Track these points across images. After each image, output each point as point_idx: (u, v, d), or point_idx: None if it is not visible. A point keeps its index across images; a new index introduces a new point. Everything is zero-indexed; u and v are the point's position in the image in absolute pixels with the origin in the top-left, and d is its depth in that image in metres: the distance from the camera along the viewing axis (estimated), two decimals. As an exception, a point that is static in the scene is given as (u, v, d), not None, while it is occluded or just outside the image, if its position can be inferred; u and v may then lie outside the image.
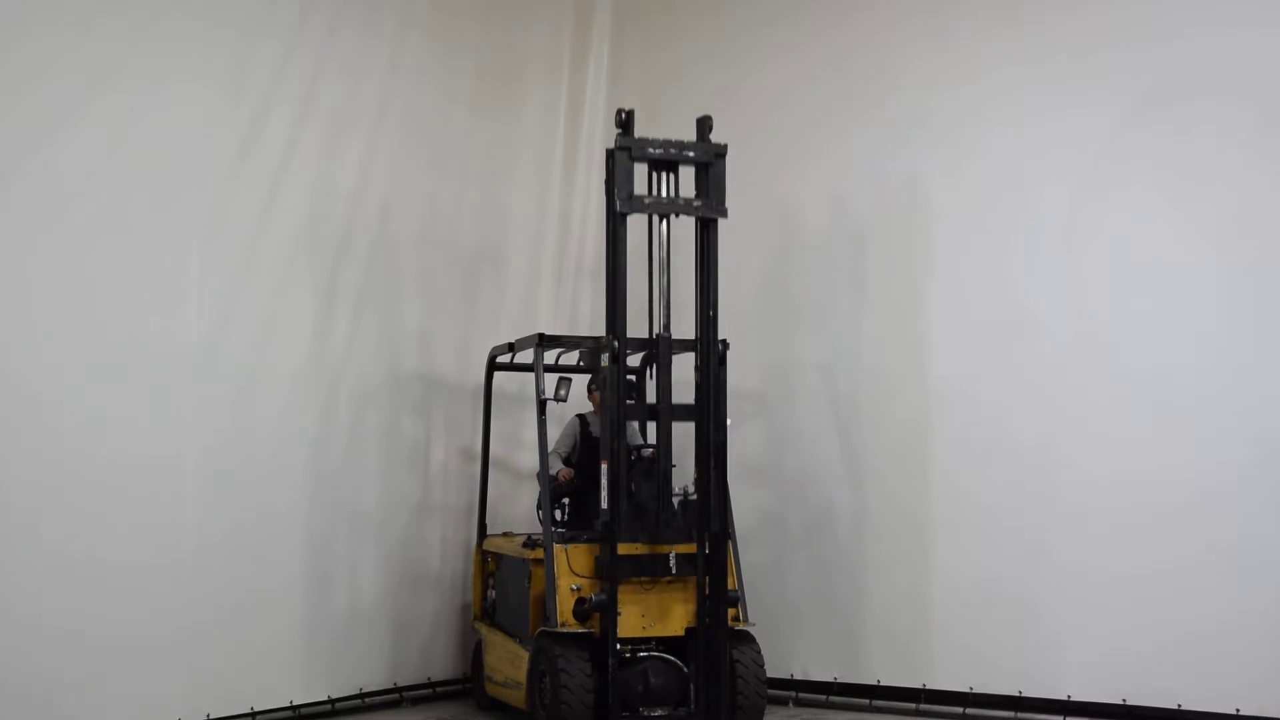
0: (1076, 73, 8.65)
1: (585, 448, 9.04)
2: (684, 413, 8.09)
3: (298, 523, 8.80)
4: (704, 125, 8.17)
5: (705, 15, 10.37)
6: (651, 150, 8.03)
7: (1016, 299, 8.81)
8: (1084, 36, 8.66)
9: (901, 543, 9.11)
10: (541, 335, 8.71)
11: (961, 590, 8.84)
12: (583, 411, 9.32)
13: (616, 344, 7.96)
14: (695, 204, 8.09)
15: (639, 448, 8.45)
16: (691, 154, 8.09)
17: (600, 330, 8.28)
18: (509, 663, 8.65)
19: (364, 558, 9.24)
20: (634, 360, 8.91)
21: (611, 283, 7.93)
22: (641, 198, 8.04)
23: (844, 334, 9.49)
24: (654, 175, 8.16)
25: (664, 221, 8.20)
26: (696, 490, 8.03)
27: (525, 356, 9.09)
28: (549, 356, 9.05)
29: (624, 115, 8.05)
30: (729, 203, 8.09)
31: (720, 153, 8.11)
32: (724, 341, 8.17)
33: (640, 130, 8.13)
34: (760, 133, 9.64)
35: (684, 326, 8.27)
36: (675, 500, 8.01)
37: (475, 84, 10.13)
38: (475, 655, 9.43)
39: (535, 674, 8.06)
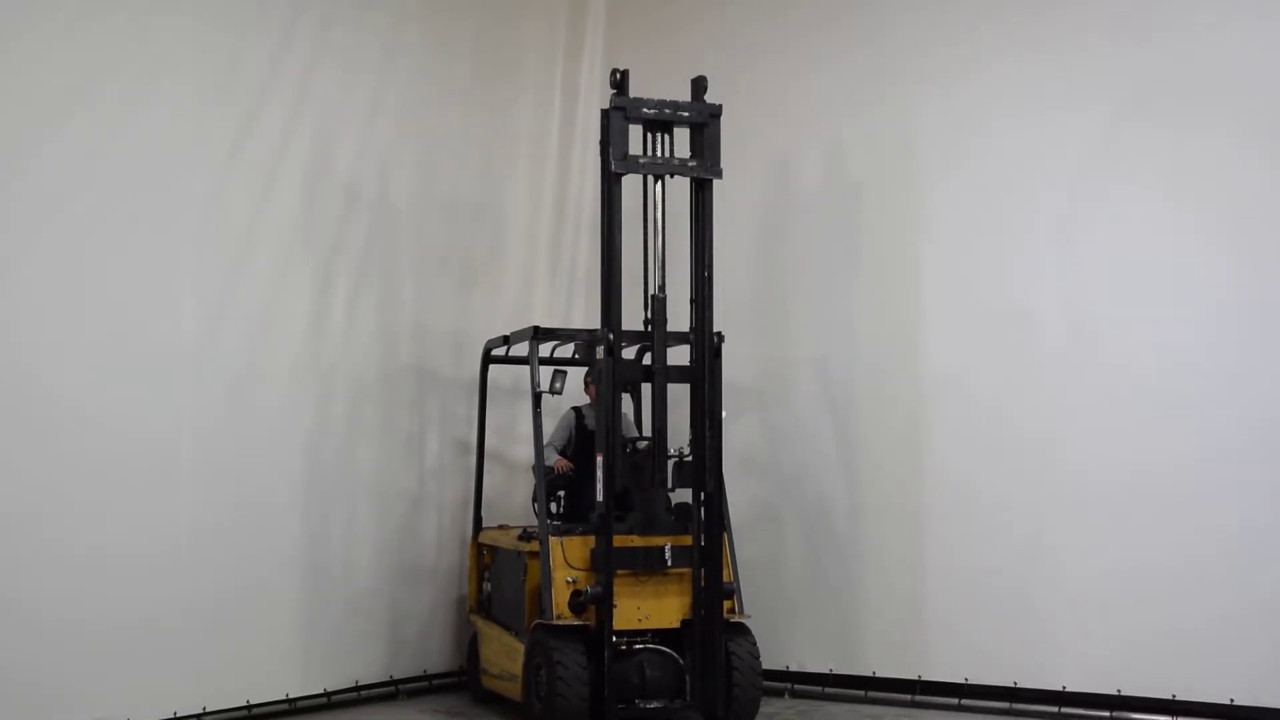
0: (1071, 66, 8.67)
1: (581, 440, 9.09)
2: (679, 374, 8.09)
3: (294, 516, 8.83)
4: (699, 85, 8.16)
5: (700, 9, 10.38)
6: (646, 110, 8.05)
7: (1013, 292, 8.83)
8: (1079, 30, 8.66)
9: (897, 535, 9.14)
10: (536, 328, 8.73)
11: (957, 582, 8.87)
12: (578, 404, 9.35)
13: (611, 337, 7.96)
14: (690, 164, 8.08)
15: (634, 440, 8.48)
16: (686, 114, 8.10)
17: (596, 323, 8.30)
18: (505, 655, 8.67)
19: (360, 551, 9.26)
20: (629, 353, 8.89)
21: (607, 245, 7.92)
22: (636, 158, 8.05)
23: (840, 327, 9.50)
24: (649, 136, 8.15)
25: (659, 182, 8.19)
26: (692, 449, 8.03)
27: (520, 349, 9.13)
28: (544, 349, 9.07)
29: (618, 75, 8.06)
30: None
31: (715, 113, 8.10)
32: (719, 334, 8.21)
33: (637, 78, 8.16)
34: (757, 127, 9.64)
35: (680, 308, 8.21)
36: (670, 460, 8.03)
37: (469, 78, 10.17)
38: (471, 648, 9.45)
39: (531, 667, 8.09)
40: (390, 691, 9.39)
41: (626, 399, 9.00)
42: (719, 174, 8.07)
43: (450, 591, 9.87)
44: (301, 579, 8.85)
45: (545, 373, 8.81)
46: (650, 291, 8.16)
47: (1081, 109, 8.62)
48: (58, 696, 7.47)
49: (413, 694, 9.49)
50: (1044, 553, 8.60)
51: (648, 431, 8.46)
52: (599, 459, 7.98)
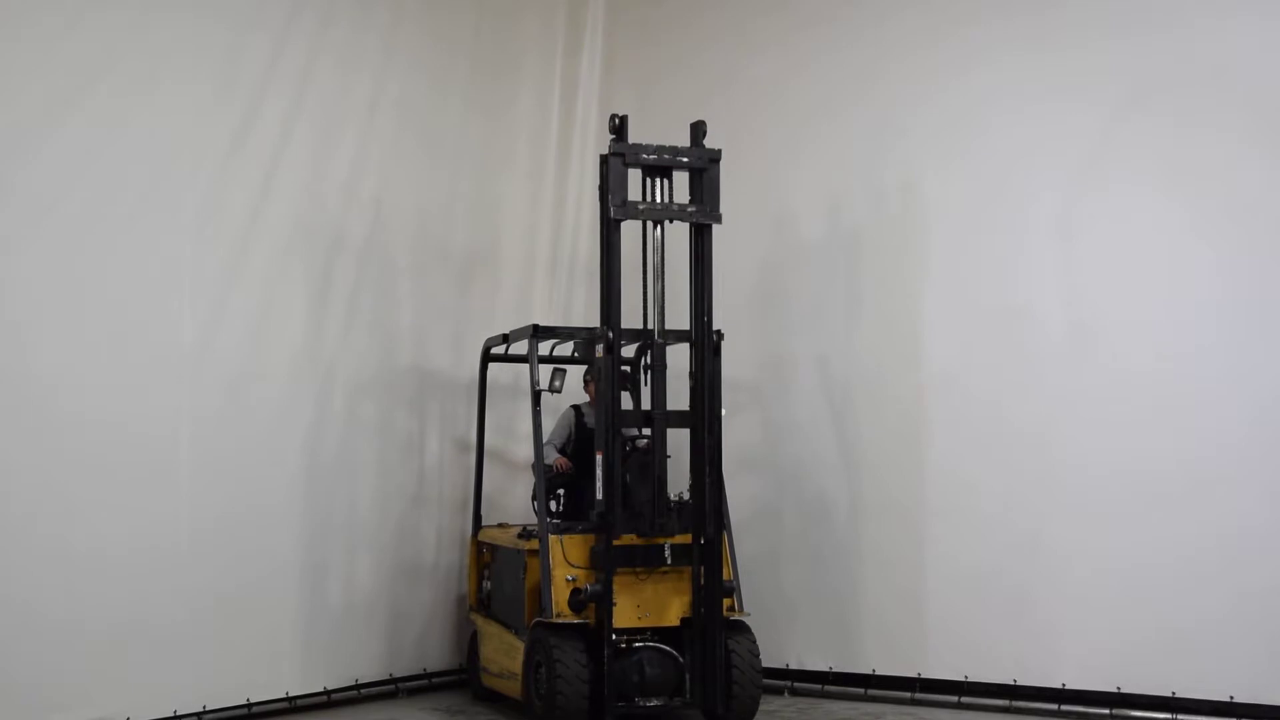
0: (1070, 64, 8.67)
1: (580, 439, 9.10)
2: (679, 419, 8.13)
3: (293, 515, 8.83)
4: (698, 131, 8.20)
5: (698, 6, 10.39)
6: (645, 156, 8.08)
7: (1012, 288, 8.84)
8: (1078, 27, 8.66)
9: (896, 532, 9.15)
10: (536, 326, 8.73)
11: (956, 579, 8.89)
12: (578, 403, 9.37)
13: (611, 335, 7.99)
14: (689, 210, 8.13)
15: (634, 438, 8.49)
16: (685, 160, 8.14)
17: (595, 322, 8.32)
18: (505, 654, 8.67)
19: (359, 549, 9.27)
20: (629, 351, 8.81)
21: (606, 287, 8.00)
22: (636, 204, 8.08)
23: (838, 324, 9.50)
24: (648, 180, 8.21)
25: (658, 227, 8.25)
26: (691, 495, 8.08)
27: (520, 348, 9.15)
28: (543, 348, 9.06)
29: (617, 121, 8.08)
30: (724, 200, 8.12)
31: (715, 158, 8.15)
32: (718, 332, 8.23)
33: (633, 122, 8.14)
34: (754, 123, 9.70)
35: (679, 325, 8.31)
36: (671, 500, 8.06)
37: (468, 77, 10.16)
38: (471, 646, 9.45)
39: (531, 665, 8.09)
40: (390, 690, 9.40)
41: (626, 397, 8.95)
42: (718, 219, 8.11)
43: (450, 590, 9.88)
44: (301, 577, 8.85)
45: (545, 371, 8.79)
46: (650, 328, 8.18)
47: (1080, 106, 8.61)
48: (56, 695, 7.47)
49: (413, 692, 9.50)
50: (1043, 550, 8.61)
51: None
52: (598, 457, 7.98)
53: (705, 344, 8.10)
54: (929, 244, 9.15)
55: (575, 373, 9.31)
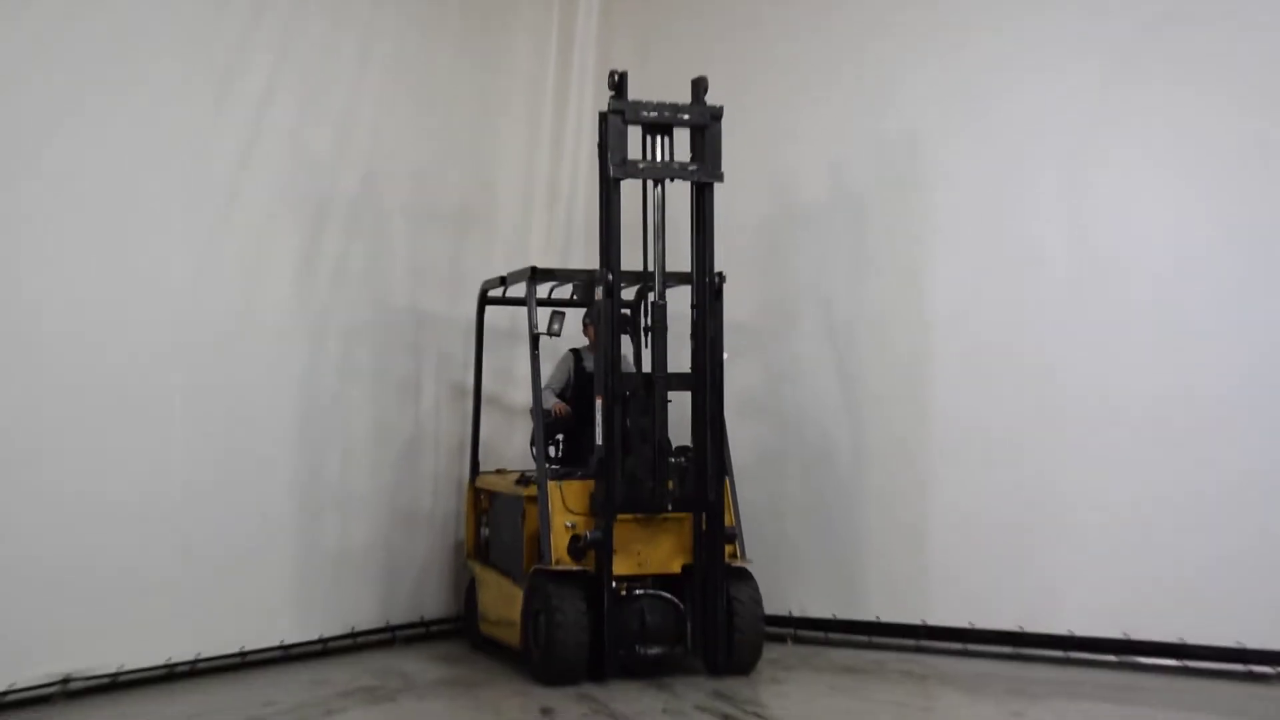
0: (1077, 10, 8.67)
1: (579, 383, 9.09)
2: (680, 382, 8.13)
3: (287, 460, 8.82)
4: (699, 87, 8.16)
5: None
6: (645, 114, 8.06)
7: (1020, 226, 8.81)
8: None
9: (900, 477, 9.15)
10: (534, 268, 8.69)
11: (961, 525, 8.88)
12: (577, 346, 9.35)
13: (610, 277, 7.97)
14: (690, 169, 8.12)
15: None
16: (686, 117, 8.10)
17: (594, 264, 8.30)
18: (503, 601, 8.69)
19: (355, 496, 9.27)
20: (629, 294, 8.91)
21: (605, 247, 7.97)
22: (636, 163, 8.07)
23: (842, 264, 9.48)
24: (648, 138, 8.18)
25: (659, 186, 8.20)
26: (693, 461, 8.08)
27: (517, 290, 9.09)
28: (542, 290, 9.06)
29: (617, 77, 8.05)
30: (725, 158, 8.10)
31: (716, 115, 8.11)
32: (720, 274, 8.19)
33: (632, 77, 8.11)
34: (757, 79, 9.66)
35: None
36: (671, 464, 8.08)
37: (461, 22, 10.13)
38: (468, 594, 9.48)
39: (529, 613, 8.11)
40: (387, 638, 9.41)
41: (626, 340, 8.83)
42: (720, 177, 8.09)
43: (447, 537, 9.90)
44: (296, 525, 8.85)
45: (543, 314, 8.73)
46: (651, 299, 8.18)
47: (1087, 48, 8.58)
48: (49, 643, 7.47)
49: (409, 640, 9.52)
50: (1049, 494, 8.60)
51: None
52: (598, 402, 8.00)
53: (706, 294, 8.07)
54: (935, 181, 9.11)
55: (574, 316, 9.21)
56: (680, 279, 8.29)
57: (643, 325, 8.28)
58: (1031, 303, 8.74)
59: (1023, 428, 8.71)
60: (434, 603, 9.81)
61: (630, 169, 8.02)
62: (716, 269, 8.14)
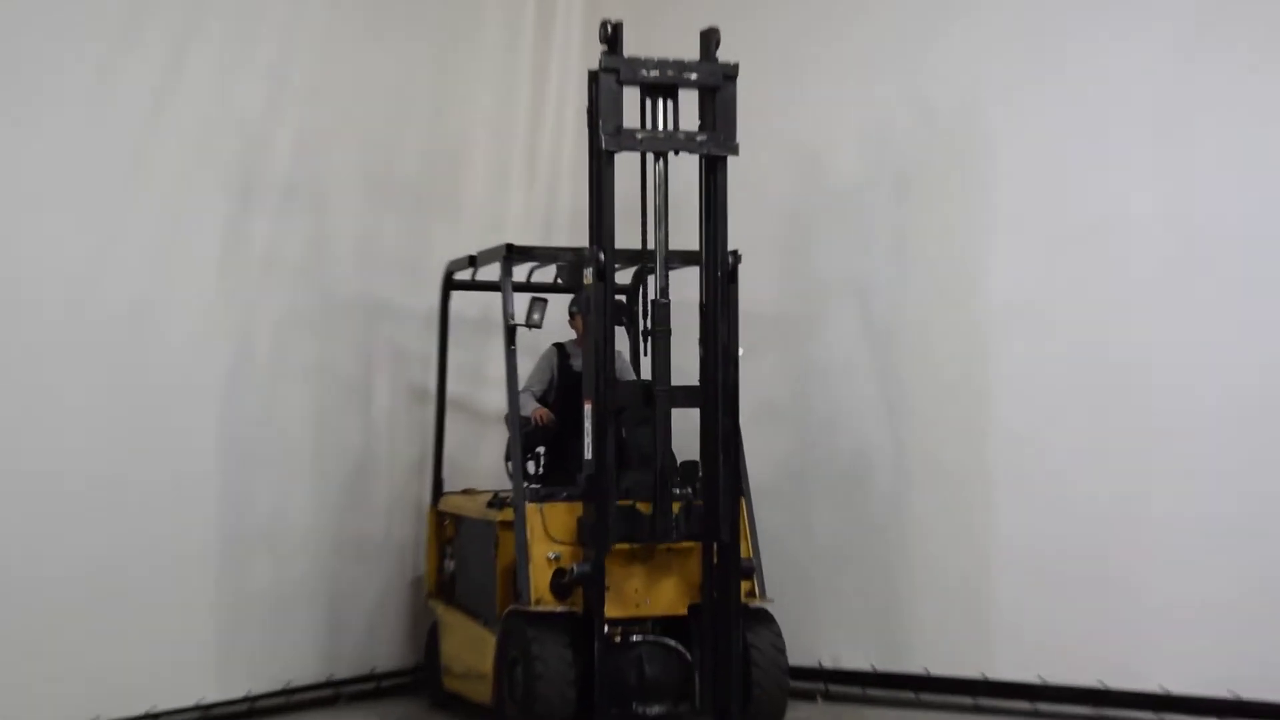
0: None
1: (564, 384, 8.89)
2: (685, 397, 7.87)
3: (209, 480, 8.68)
4: (709, 40, 7.93)
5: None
6: (645, 72, 7.77)
7: (1100, 202, 8.56)
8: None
9: (953, 500, 8.96)
10: (509, 246, 8.48)
11: (1028, 560, 8.65)
12: (561, 340, 9.14)
13: (602, 256, 7.70)
14: (699, 139, 7.81)
15: (631, 384, 8.45)
16: (694, 76, 7.82)
17: (582, 240, 8.01)
18: (471, 649, 8.52)
19: (291, 522, 9.14)
20: (624, 277, 8.80)
21: (596, 224, 7.77)
22: (633, 132, 7.77)
23: (882, 243, 9.32)
24: (648, 102, 7.90)
25: (660, 160, 7.92)
26: (701, 493, 7.83)
27: (490, 272, 8.82)
28: (520, 273, 8.90)
29: (610, 29, 7.80)
30: (741, 126, 7.78)
31: (730, 74, 7.83)
32: (734, 253, 7.91)
33: (629, 25, 7.83)
34: (777, 31, 9.58)
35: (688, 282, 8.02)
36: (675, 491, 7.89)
37: None
38: (430, 640, 9.38)
39: (504, 663, 7.89)
40: (329, 695, 9.29)
41: (621, 333, 8.78)
42: (734, 150, 7.80)
43: (403, 572, 9.80)
44: (220, 557, 8.69)
45: (521, 301, 8.47)
46: (653, 295, 7.91)
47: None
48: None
49: (356, 698, 9.41)
50: (1136, 524, 8.34)
51: (647, 374, 8.16)
52: (587, 407, 7.73)
53: (718, 291, 7.75)
54: (997, 144, 8.93)
55: (559, 304, 8.93)
56: (686, 259, 8.08)
57: (642, 328, 8.06)
58: (1114, 290, 8.49)
59: (1103, 442, 8.45)
60: (387, 652, 9.70)
61: (626, 140, 7.71)
62: (731, 248, 7.95)
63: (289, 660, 8.99)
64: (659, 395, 7.80)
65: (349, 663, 9.38)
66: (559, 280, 9.11)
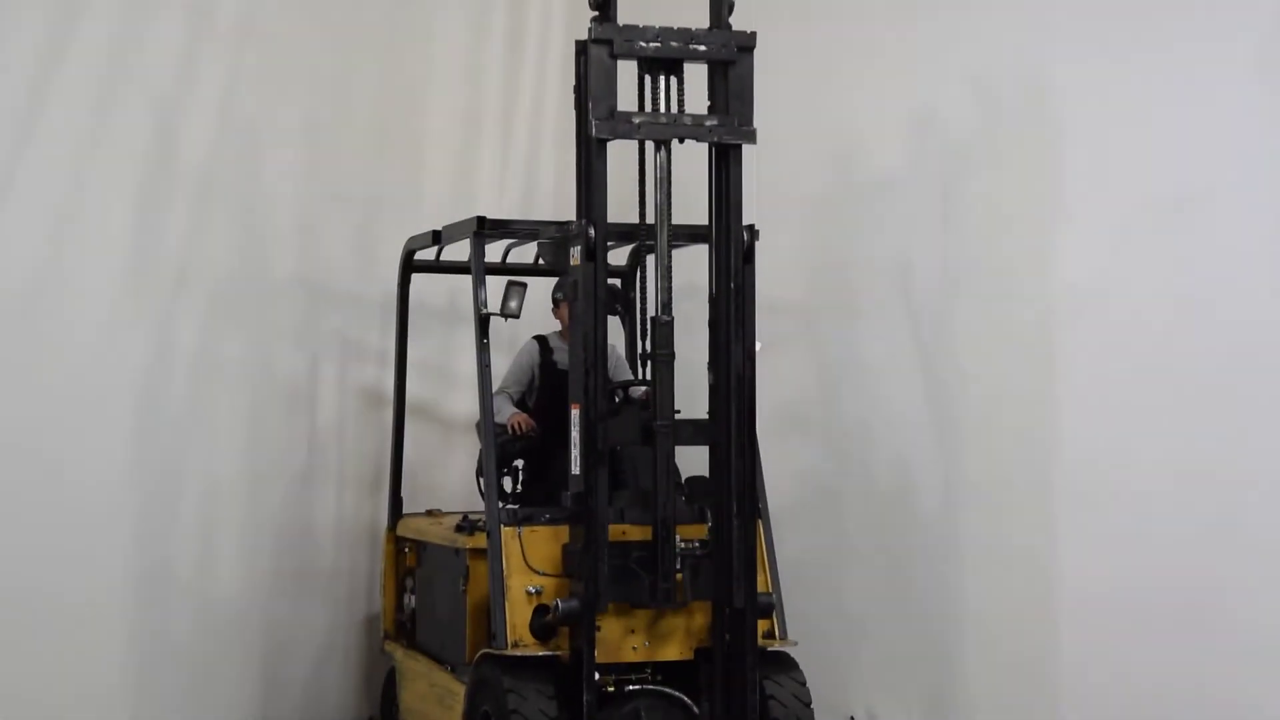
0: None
1: (547, 385, 8.94)
2: (693, 433, 7.85)
3: (122, 500, 8.73)
4: (720, 4, 7.92)
5: None
6: (643, 44, 7.71)
7: (1190, 172, 8.36)
8: None
9: (1013, 526, 8.88)
10: (481, 219, 8.44)
11: (1107, 598, 8.47)
12: (543, 333, 9.18)
13: (592, 232, 7.63)
14: (709, 124, 7.76)
15: (626, 385, 8.46)
16: (702, 48, 7.77)
17: (568, 214, 8.00)
18: (435, 701, 8.57)
19: (220, 553, 9.21)
20: (619, 257, 8.92)
21: (585, 201, 7.80)
22: (629, 115, 7.71)
23: (925, 219, 9.32)
24: (647, 79, 7.87)
25: (662, 149, 7.83)
26: (710, 544, 7.81)
27: (459, 251, 8.79)
28: (493, 252, 8.92)
29: None
30: (758, 108, 7.78)
31: (746, 45, 7.78)
32: (751, 228, 7.89)
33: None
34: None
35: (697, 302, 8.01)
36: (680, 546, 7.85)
37: None
38: (386, 690, 9.46)
39: (475, 716, 7.84)
40: None
41: (614, 324, 8.83)
42: (751, 137, 7.77)
43: (355, 608, 9.90)
44: (133, 599, 8.77)
45: (495, 286, 8.46)
46: (655, 311, 7.91)
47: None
48: None
49: None
50: (1241, 557, 8.06)
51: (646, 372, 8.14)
52: (574, 412, 7.69)
53: (728, 304, 7.71)
54: (1062, 108, 8.88)
55: (540, 288, 8.99)
56: (693, 235, 8.16)
57: (641, 350, 8.07)
58: (1205, 278, 8.26)
59: (1196, 456, 8.21)
60: (336, 702, 9.80)
61: (621, 125, 7.67)
62: (748, 222, 7.91)
63: (216, 714, 9.03)
64: (660, 432, 7.73)
65: (289, 715, 9.44)
66: (540, 261, 8.93)
